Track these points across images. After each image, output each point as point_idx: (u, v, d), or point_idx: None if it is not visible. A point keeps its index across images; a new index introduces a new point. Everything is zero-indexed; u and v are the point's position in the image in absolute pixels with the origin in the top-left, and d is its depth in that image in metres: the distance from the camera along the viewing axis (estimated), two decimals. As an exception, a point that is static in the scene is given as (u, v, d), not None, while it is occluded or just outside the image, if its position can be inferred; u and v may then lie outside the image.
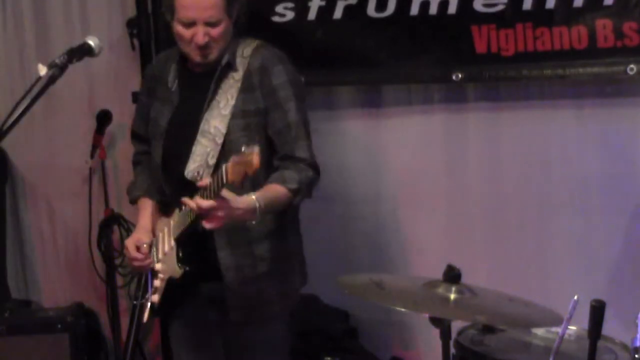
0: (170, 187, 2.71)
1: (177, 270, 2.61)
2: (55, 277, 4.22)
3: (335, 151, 3.57)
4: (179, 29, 2.59)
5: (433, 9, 3.26)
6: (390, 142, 3.58)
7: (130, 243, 2.75)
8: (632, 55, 3.01)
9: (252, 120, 2.61)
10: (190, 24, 2.56)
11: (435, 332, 2.18)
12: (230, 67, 2.64)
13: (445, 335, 2.16)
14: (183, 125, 2.66)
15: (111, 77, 3.96)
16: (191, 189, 2.47)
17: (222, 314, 2.69)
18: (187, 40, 2.59)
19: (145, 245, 2.72)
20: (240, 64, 2.64)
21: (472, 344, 2.50)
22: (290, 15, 3.50)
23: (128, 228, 3.96)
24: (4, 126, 2.39)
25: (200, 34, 2.55)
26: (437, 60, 3.33)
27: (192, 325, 2.82)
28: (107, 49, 3.56)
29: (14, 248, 4.24)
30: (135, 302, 2.91)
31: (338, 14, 3.42)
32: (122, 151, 4.05)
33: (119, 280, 4.05)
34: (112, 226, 4.02)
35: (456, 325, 2.33)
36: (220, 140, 2.58)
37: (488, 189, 3.43)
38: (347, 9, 3.40)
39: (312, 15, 3.46)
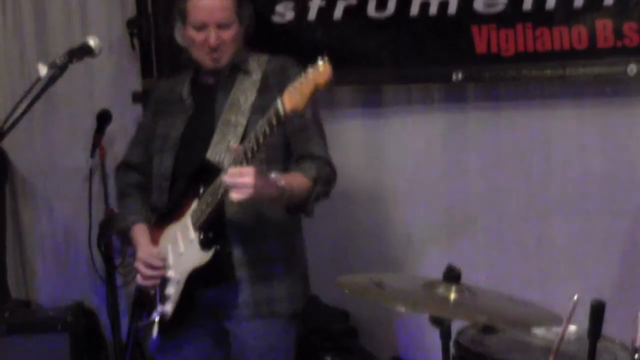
0: (181, 185, 2.66)
1: (203, 256, 2.54)
2: (55, 277, 4.21)
3: (335, 151, 3.56)
4: (191, 33, 2.62)
5: (433, 9, 3.27)
6: (390, 142, 3.58)
7: (140, 265, 2.67)
8: (632, 55, 3.02)
9: None
10: (202, 27, 2.59)
11: (435, 332, 2.18)
12: (240, 68, 2.65)
13: (445, 335, 2.16)
14: (197, 133, 2.65)
15: (111, 77, 3.96)
16: (208, 177, 2.48)
17: (224, 320, 2.68)
18: (199, 43, 2.61)
19: (158, 262, 2.65)
20: (257, 68, 2.65)
21: (472, 344, 2.50)
22: (290, 15, 3.50)
23: (128, 228, 3.96)
24: (4, 126, 2.39)
25: (212, 37, 2.58)
26: (437, 60, 3.33)
27: (188, 332, 2.75)
28: (107, 49, 3.56)
29: (14, 248, 4.24)
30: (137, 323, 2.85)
31: (338, 14, 3.42)
32: (122, 151, 4.04)
33: (119, 280, 4.05)
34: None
35: (456, 325, 2.33)
36: (241, 130, 2.57)
37: (488, 188, 3.43)
38: (347, 9, 3.40)
39: (312, 15, 3.47)
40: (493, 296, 2.31)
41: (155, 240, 2.73)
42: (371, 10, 3.36)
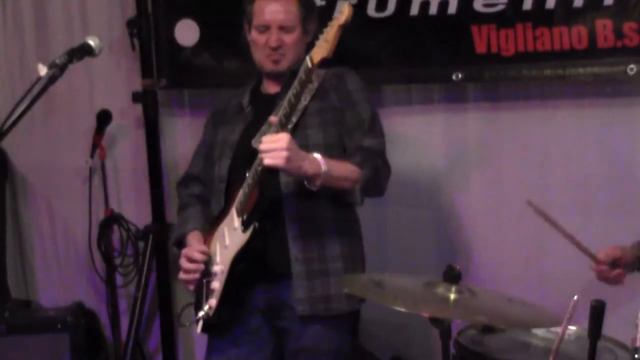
0: (233, 188, 2.67)
1: (243, 237, 2.54)
2: (55, 277, 4.22)
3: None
4: (254, 35, 2.70)
5: (433, 9, 3.26)
6: (390, 142, 3.57)
7: (184, 264, 2.69)
8: (632, 55, 3.01)
9: (328, 116, 2.66)
10: (265, 28, 2.66)
11: (435, 332, 2.18)
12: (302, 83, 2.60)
13: (445, 335, 2.16)
14: (255, 135, 2.62)
15: (111, 77, 3.96)
16: (251, 162, 2.51)
17: (277, 320, 2.67)
18: (260, 45, 2.67)
19: (202, 256, 2.67)
20: (316, 78, 2.65)
21: (472, 344, 2.50)
22: (290, 15, 3.50)
23: (128, 228, 3.97)
24: (4, 126, 2.38)
25: (273, 37, 2.64)
26: (437, 60, 3.33)
27: (240, 338, 2.73)
28: (107, 49, 3.57)
29: (14, 248, 4.25)
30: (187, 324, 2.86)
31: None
32: (122, 151, 4.06)
33: (119, 280, 4.06)
34: (112, 226, 4.02)
35: (456, 325, 2.33)
36: (290, 126, 2.55)
37: (488, 188, 3.43)
38: (347, 9, 3.40)
39: (312, 15, 3.46)
40: (493, 296, 2.32)
41: (208, 243, 2.74)
42: (371, 10, 3.36)
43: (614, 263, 2.47)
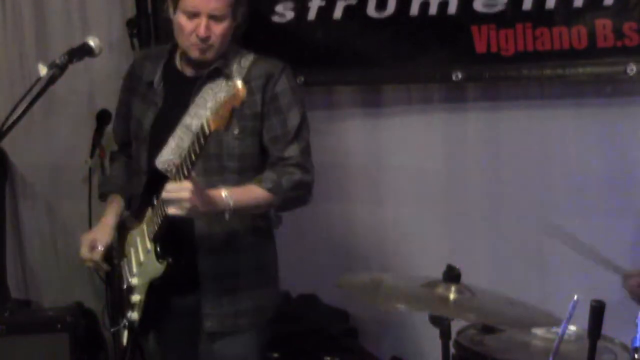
0: (148, 188, 2.66)
1: (158, 268, 2.56)
2: (55, 277, 4.21)
3: (335, 151, 3.58)
4: (181, 20, 2.53)
5: (433, 9, 3.26)
6: (390, 142, 3.58)
7: (85, 240, 2.76)
8: (632, 55, 3.01)
9: (247, 125, 2.58)
10: (194, 15, 2.50)
11: (435, 332, 2.18)
12: (220, 72, 2.59)
13: (445, 335, 2.16)
14: (167, 128, 2.58)
15: (111, 77, 3.94)
16: (159, 186, 2.44)
17: (195, 326, 2.68)
18: (188, 32, 2.53)
19: (100, 248, 2.73)
20: (237, 72, 2.59)
21: (472, 344, 2.50)
22: (290, 15, 3.50)
23: (128, 228, 3.96)
24: (4, 126, 2.39)
25: (202, 26, 2.50)
26: (437, 60, 3.33)
27: (165, 341, 2.79)
28: (107, 49, 3.56)
29: (14, 248, 4.24)
30: (112, 330, 2.85)
31: (338, 14, 3.42)
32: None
33: (119, 280, 4.05)
34: (112, 226, 4.01)
35: (456, 325, 2.33)
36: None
37: (488, 189, 3.43)
38: (347, 9, 3.40)
39: (312, 15, 3.46)
40: (492, 298, 2.32)
41: (123, 239, 2.77)
42: (371, 10, 3.36)
43: None
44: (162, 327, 2.75)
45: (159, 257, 2.57)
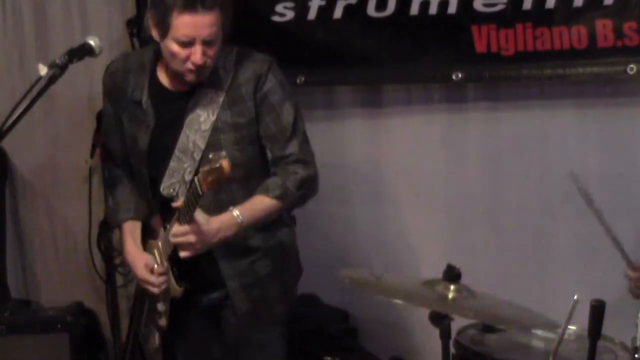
0: (157, 207, 2.70)
1: (176, 289, 2.62)
2: (55, 277, 4.22)
3: (335, 151, 3.57)
4: (173, 47, 2.45)
5: (433, 9, 3.26)
6: (390, 142, 3.58)
7: (140, 266, 2.66)
8: (632, 55, 3.01)
9: (244, 133, 2.58)
10: (188, 43, 2.43)
11: (435, 332, 2.18)
12: (212, 83, 2.57)
13: (445, 335, 2.16)
14: (164, 148, 2.59)
15: (111, 77, 3.96)
16: (170, 206, 2.50)
17: (221, 322, 2.72)
18: (182, 59, 2.46)
19: (157, 267, 2.64)
20: (224, 77, 2.57)
21: (472, 343, 2.51)
22: (290, 15, 3.50)
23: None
24: (4, 126, 2.39)
25: (198, 54, 2.43)
26: (437, 60, 3.33)
27: (193, 340, 2.82)
28: (107, 49, 3.56)
29: (14, 248, 4.24)
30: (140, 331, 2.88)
31: (338, 13, 3.42)
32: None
33: (119, 280, 4.06)
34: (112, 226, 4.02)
35: (456, 325, 2.33)
36: (198, 157, 2.55)
37: (488, 188, 3.43)
38: (347, 8, 3.40)
39: (312, 15, 3.46)
40: (491, 301, 2.31)
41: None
42: (371, 9, 3.36)
43: None
44: (188, 328, 2.79)
45: (177, 279, 2.61)
